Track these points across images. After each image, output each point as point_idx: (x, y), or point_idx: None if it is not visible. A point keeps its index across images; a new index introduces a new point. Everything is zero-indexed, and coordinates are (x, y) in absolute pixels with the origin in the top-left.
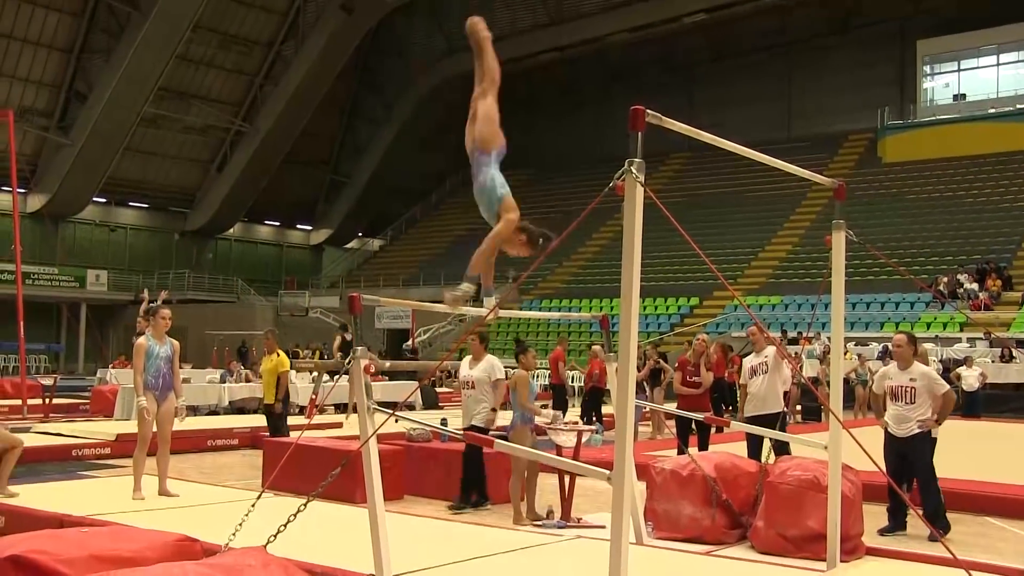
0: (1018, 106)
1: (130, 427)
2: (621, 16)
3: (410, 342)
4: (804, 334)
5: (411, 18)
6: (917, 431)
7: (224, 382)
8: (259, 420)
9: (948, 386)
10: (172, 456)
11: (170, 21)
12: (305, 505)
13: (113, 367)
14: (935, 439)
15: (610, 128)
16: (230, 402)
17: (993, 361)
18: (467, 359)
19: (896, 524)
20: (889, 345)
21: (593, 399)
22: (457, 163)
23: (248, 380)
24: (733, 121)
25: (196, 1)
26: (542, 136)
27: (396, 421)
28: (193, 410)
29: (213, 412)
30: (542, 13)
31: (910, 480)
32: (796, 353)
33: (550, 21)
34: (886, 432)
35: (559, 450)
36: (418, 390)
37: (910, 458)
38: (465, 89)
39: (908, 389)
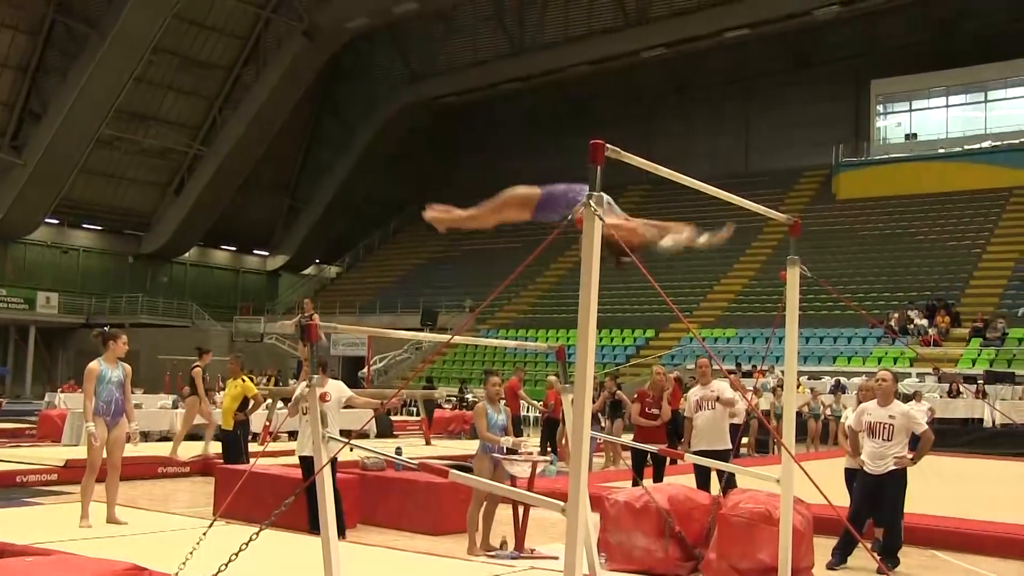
0: (965, 147)
1: (78, 453)
2: (582, 48)
3: (365, 370)
4: (758, 367)
5: (373, 44)
6: (892, 467)
7: (176, 407)
8: (211, 447)
9: (926, 425)
10: (122, 483)
11: (129, 42)
12: (257, 534)
13: (62, 391)
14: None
15: (570, 158)
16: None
17: (941, 396)
18: (303, 384)
19: (842, 558)
20: (841, 379)
21: (549, 429)
22: (416, 191)
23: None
24: (692, 155)
25: (156, 23)
26: (503, 165)
27: (351, 450)
28: (144, 436)
29: (165, 438)
30: (504, 43)
31: (877, 517)
32: (754, 387)
33: (512, 52)
34: (860, 470)
35: (513, 480)
36: (373, 418)
37: (882, 495)
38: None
39: (886, 426)
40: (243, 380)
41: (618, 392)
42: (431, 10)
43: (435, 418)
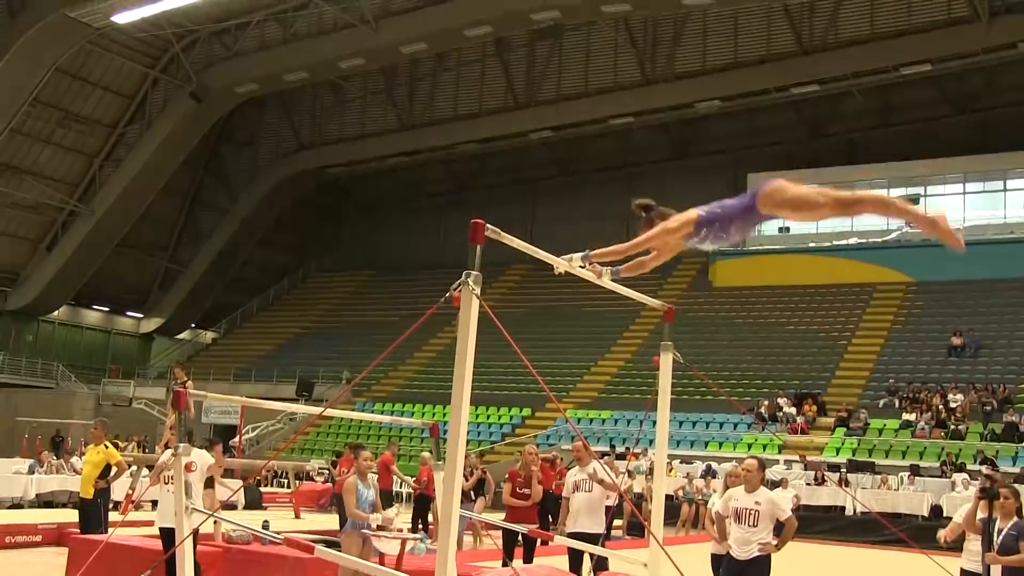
0: (834, 242)
1: None
2: (470, 127)
3: (236, 439)
4: (631, 449)
5: (262, 110)
6: (757, 554)
7: (33, 473)
8: (68, 515)
9: (790, 512)
10: None
11: (7, 92)
12: None
13: None
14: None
15: (454, 234)
16: (37, 495)
17: (807, 484)
18: (167, 452)
19: None
20: (712, 464)
21: (421, 506)
22: (297, 259)
23: (59, 471)
24: (575, 236)
25: (37, 75)
26: (386, 237)
27: (216, 522)
28: None
29: (16, 505)
30: (393, 118)
31: None
32: (627, 470)
33: (400, 126)
34: (726, 555)
35: (382, 557)
36: (242, 488)
37: None
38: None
39: (752, 512)
40: (106, 446)
41: (485, 471)
42: (322, 80)
43: (306, 491)
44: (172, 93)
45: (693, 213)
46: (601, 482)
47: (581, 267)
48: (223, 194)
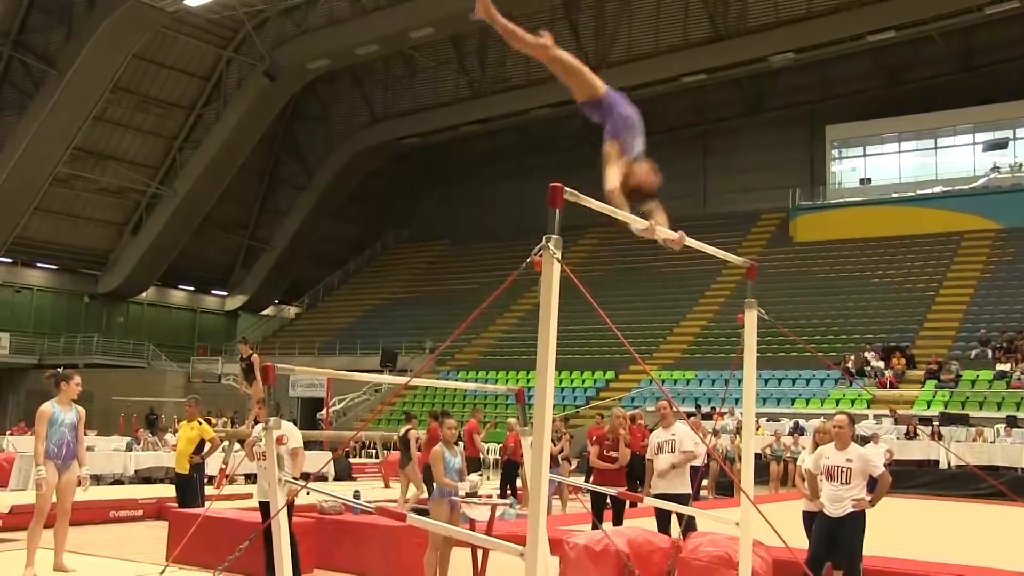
0: (918, 192)
1: (26, 498)
2: (543, 92)
3: (324, 412)
4: (718, 409)
5: (334, 86)
6: (851, 510)
7: (130, 450)
8: (166, 490)
9: (883, 468)
10: (72, 528)
11: (88, 81)
12: None
13: (11, 433)
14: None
15: (531, 200)
16: (136, 471)
17: (898, 438)
18: (259, 427)
19: None
20: (800, 421)
21: (509, 472)
22: (375, 232)
23: (155, 448)
24: None
25: (115, 62)
26: (462, 207)
27: (308, 493)
28: (97, 479)
29: (117, 481)
30: (464, 86)
31: (836, 559)
32: (714, 429)
33: (472, 94)
34: (819, 512)
35: (473, 524)
36: (331, 461)
37: (840, 537)
38: (386, 157)
39: (844, 470)
40: (199, 423)
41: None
42: (392, 52)
43: (395, 460)
44: (246, 72)
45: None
46: (683, 454)
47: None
48: (299, 170)
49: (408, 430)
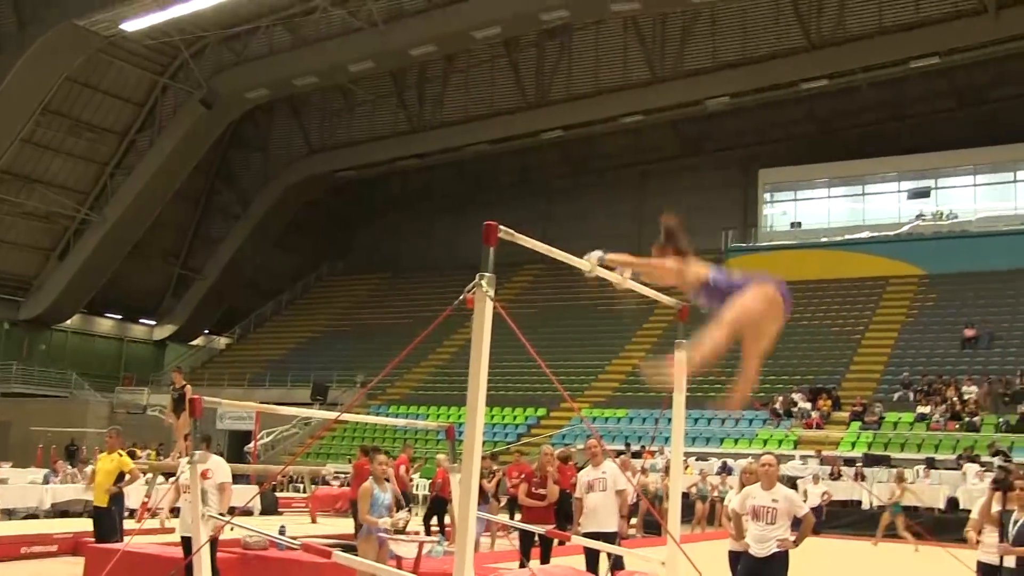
0: (847, 236)
1: None
2: (480, 128)
3: (251, 445)
4: (647, 448)
5: (272, 116)
6: (776, 550)
7: (47, 483)
8: (83, 524)
9: (807, 508)
10: None
11: (16, 102)
12: None
13: None
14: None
15: (467, 235)
16: (53, 504)
17: (823, 479)
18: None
19: None
20: (728, 461)
21: (437, 508)
22: (311, 263)
23: (74, 480)
24: (587, 236)
25: (47, 84)
26: (398, 240)
27: (232, 528)
28: (9, 513)
29: (32, 515)
30: (403, 120)
31: None
32: (642, 468)
33: (410, 129)
34: (744, 552)
35: (399, 561)
36: (258, 495)
37: None
38: (323, 189)
39: (770, 510)
40: (120, 454)
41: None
42: (331, 84)
43: (322, 496)
44: (182, 100)
45: (705, 273)
46: (618, 493)
47: (602, 267)
48: (235, 200)
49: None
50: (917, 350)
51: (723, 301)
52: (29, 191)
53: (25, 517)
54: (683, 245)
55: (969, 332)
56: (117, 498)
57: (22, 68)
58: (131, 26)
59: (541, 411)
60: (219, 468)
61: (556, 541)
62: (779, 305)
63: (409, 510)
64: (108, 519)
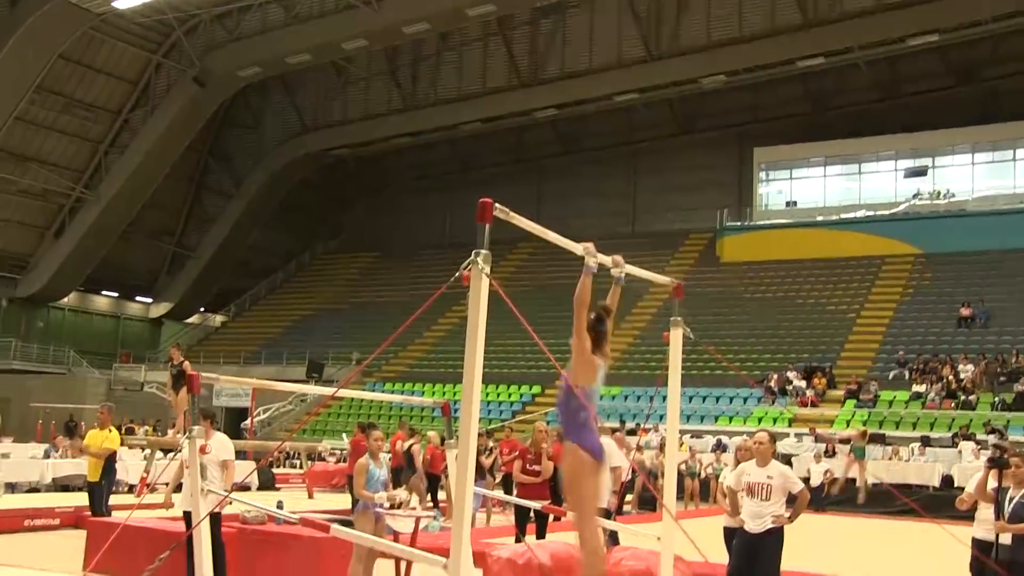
0: (842, 215)
1: None
2: (474, 107)
3: (248, 421)
4: (642, 425)
5: (265, 94)
6: (770, 526)
7: (48, 457)
8: (84, 498)
9: (803, 484)
10: None
11: (9, 80)
12: None
13: None
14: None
15: (459, 214)
16: (54, 479)
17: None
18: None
19: None
20: (723, 438)
21: (428, 485)
22: (305, 242)
23: (73, 455)
24: (580, 214)
25: (40, 62)
26: (392, 219)
27: (230, 503)
28: (11, 487)
29: (34, 489)
30: (396, 99)
31: (754, 574)
32: (638, 445)
33: (404, 107)
34: (739, 528)
35: (396, 536)
36: (255, 471)
37: (760, 553)
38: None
39: (765, 486)
40: (109, 431)
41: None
42: (325, 62)
43: (319, 471)
44: (175, 78)
45: (585, 381)
46: (612, 470)
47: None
48: (228, 178)
49: (412, 444)
50: (913, 329)
51: (566, 415)
52: (24, 169)
53: (28, 491)
54: (603, 337)
55: (965, 311)
56: (108, 471)
57: (15, 46)
58: (124, 3)
59: (536, 388)
60: (222, 445)
61: (552, 517)
62: (592, 466)
63: (408, 491)
64: (97, 492)
